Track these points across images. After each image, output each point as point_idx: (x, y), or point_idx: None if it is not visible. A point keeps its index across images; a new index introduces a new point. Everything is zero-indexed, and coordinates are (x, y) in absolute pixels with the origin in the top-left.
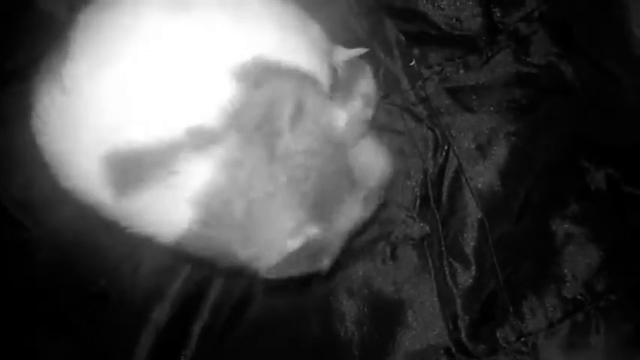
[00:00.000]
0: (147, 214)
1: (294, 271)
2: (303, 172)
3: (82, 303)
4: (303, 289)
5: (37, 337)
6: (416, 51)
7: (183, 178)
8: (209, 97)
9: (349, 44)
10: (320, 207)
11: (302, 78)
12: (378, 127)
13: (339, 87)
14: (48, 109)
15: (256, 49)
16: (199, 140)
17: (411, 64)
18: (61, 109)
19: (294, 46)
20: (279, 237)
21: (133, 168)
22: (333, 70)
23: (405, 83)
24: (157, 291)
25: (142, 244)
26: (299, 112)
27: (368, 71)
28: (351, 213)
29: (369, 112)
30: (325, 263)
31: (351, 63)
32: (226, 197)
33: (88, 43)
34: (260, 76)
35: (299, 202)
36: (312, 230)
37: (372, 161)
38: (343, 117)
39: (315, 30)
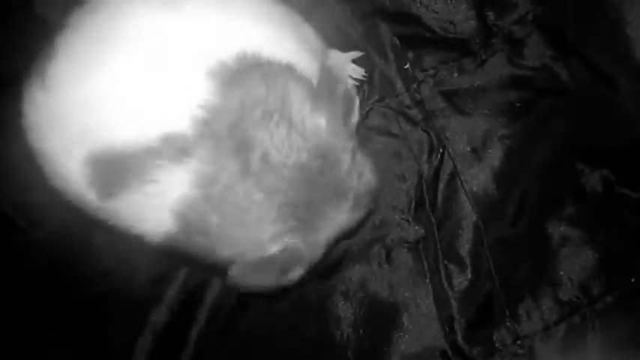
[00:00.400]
0: (129, 217)
1: (263, 281)
2: (285, 186)
3: (80, 305)
4: (300, 292)
5: (36, 339)
6: (410, 54)
7: (162, 188)
8: (184, 102)
9: (344, 48)
10: (302, 218)
11: (289, 74)
12: (373, 129)
13: (320, 92)
14: (34, 108)
15: (243, 46)
16: (174, 150)
17: (406, 67)
18: (45, 108)
19: (285, 43)
20: (258, 244)
21: (113, 171)
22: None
23: (399, 86)
24: (154, 294)
25: (138, 247)
26: (283, 116)
27: (344, 78)
28: (335, 223)
29: (354, 119)
30: (297, 274)
31: (328, 69)
32: (201, 210)
33: (72, 45)
34: (238, 72)
35: (277, 216)
36: (292, 241)
37: (359, 170)
38: (326, 124)
39: (309, 32)
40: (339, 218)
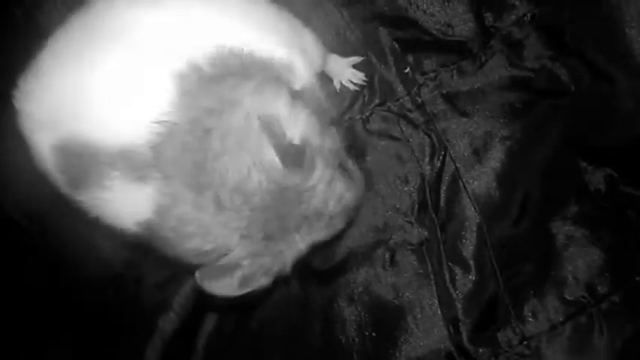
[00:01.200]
0: (98, 211)
1: (225, 289)
2: (249, 216)
3: (88, 310)
4: (305, 296)
5: (42, 345)
6: (410, 58)
7: (120, 202)
8: (144, 115)
9: (344, 53)
10: (270, 238)
11: (267, 86)
12: (374, 133)
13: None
14: (20, 96)
15: (225, 48)
16: (130, 168)
17: (406, 70)
18: (26, 95)
19: (276, 48)
20: (224, 255)
21: (76, 165)
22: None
23: (400, 90)
24: (162, 299)
25: (144, 253)
26: (243, 146)
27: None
28: (308, 241)
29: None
30: (262, 283)
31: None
32: (160, 233)
33: (58, 39)
34: (209, 79)
35: (242, 238)
36: (260, 253)
37: (336, 196)
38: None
39: (309, 36)
40: (312, 237)
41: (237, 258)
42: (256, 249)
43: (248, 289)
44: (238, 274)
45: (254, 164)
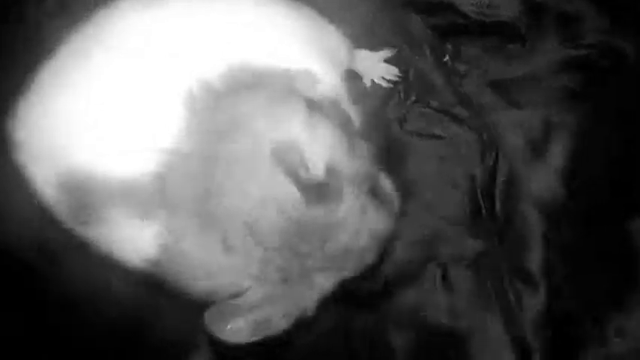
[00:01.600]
0: (105, 247)
1: (237, 333)
2: (263, 255)
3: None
4: (347, 324)
5: None
6: (448, 46)
7: (126, 240)
8: (149, 145)
9: (374, 46)
10: (289, 277)
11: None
12: (412, 134)
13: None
14: (18, 126)
15: (239, 59)
16: (133, 205)
17: (445, 60)
18: (23, 123)
19: (297, 51)
20: (236, 293)
21: (77, 199)
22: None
23: (439, 82)
24: (187, 340)
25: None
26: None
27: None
28: (335, 278)
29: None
30: (281, 327)
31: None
32: (167, 270)
33: (57, 56)
34: (221, 98)
35: (257, 275)
36: (276, 291)
37: (368, 228)
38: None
39: (332, 34)
40: (339, 275)
41: (249, 302)
42: (271, 292)
43: (263, 335)
44: (250, 316)
45: (266, 198)
